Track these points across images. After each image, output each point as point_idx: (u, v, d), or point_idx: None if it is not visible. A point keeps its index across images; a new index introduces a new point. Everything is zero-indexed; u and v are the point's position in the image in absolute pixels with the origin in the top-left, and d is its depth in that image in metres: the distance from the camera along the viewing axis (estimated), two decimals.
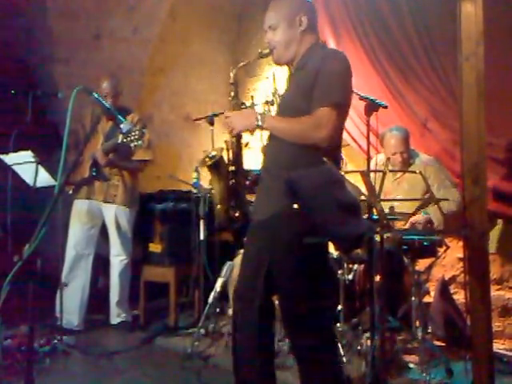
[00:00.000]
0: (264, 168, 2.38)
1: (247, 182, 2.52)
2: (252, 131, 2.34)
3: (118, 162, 4.08)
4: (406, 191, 3.70)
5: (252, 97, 4.55)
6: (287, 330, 2.37)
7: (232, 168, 2.48)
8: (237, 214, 2.44)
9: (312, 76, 2.22)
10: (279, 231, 2.23)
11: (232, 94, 2.47)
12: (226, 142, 2.51)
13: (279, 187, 2.17)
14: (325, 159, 2.20)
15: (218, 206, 2.46)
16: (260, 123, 2.24)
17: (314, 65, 2.25)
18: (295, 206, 2.14)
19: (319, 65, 2.23)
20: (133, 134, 2.72)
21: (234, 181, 2.46)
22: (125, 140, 2.93)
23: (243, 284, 2.40)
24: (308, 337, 2.21)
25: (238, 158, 2.47)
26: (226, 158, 2.55)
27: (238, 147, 2.47)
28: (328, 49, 2.49)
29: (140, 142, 2.90)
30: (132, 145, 2.84)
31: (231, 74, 2.47)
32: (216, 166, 2.49)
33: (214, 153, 2.55)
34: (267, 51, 2.38)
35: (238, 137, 2.46)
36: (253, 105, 4.02)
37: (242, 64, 2.51)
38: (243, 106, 2.47)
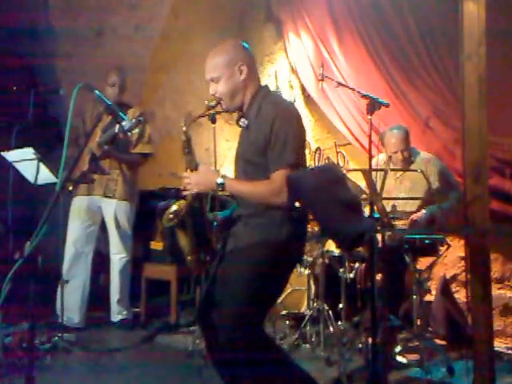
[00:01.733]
0: (240, 203, 2.39)
1: (214, 225, 2.56)
2: (213, 191, 2.37)
3: (114, 152, 4.07)
4: (408, 189, 3.70)
5: None
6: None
7: (194, 217, 2.49)
8: (207, 258, 2.48)
9: (262, 134, 2.24)
10: (248, 254, 2.24)
11: (186, 150, 2.40)
12: (186, 196, 2.47)
13: (255, 225, 2.24)
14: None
15: (189, 257, 2.51)
16: (220, 188, 2.26)
17: (265, 120, 2.26)
18: (296, 204, 2.14)
19: (270, 124, 2.23)
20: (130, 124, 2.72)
21: (199, 228, 2.49)
22: (121, 130, 2.94)
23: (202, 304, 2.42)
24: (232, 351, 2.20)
25: (200, 207, 2.48)
26: (188, 210, 2.52)
27: (200, 201, 2.48)
28: (274, 95, 2.48)
29: (137, 130, 2.91)
30: (129, 133, 2.84)
31: (183, 129, 2.39)
32: (183, 224, 2.49)
33: (174, 207, 2.53)
34: (214, 103, 2.36)
35: (199, 194, 2.45)
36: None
37: (193, 118, 2.45)
38: (197, 164, 2.42)
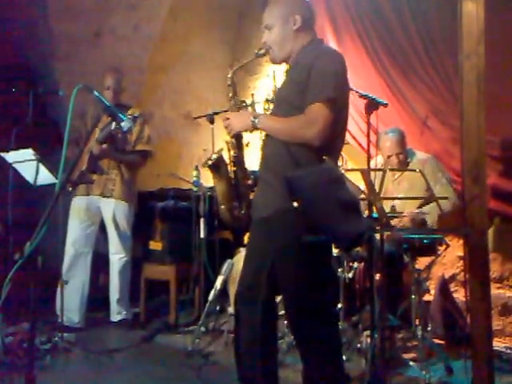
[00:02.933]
0: (262, 166, 2.39)
1: (249, 182, 2.51)
2: (250, 131, 2.38)
3: (112, 152, 4.07)
4: (406, 190, 3.70)
5: (252, 95, 4.55)
6: (292, 328, 2.38)
7: (233, 168, 2.49)
8: (243, 212, 2.45)
9: (305, 72, 2.24)
10: (281, 230, 2.24)
11: (230, 94, 2.49)
12: (226, 142, 2.52)
13: (279, 185, 2.19)
14: (325, 157, 2.20)
15: (222, 207, 2.47)
16: (255, 123, 2.29)
17: (308, 61, 2.27)
18: (295, 204, 2.14)
19: (313, 61, 2.24)
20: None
21: (235, 181, 2.47)
22: (117, 126, 2.94)
23: (246, 282, 2.41)
24: (313, 333, 2.22)
25: (239, 158, 2.48)
26: (227, 159, 2.56)
27: (238, 147, 2.49)
28: (324, 46, 2.50)
29: (137, 127, 2.92)
30: (125, 129, 2.85)
31: (228, 76, 2.49)
32: (216, 166, 2.50)
33: (214, 156, 2.56)
34: (263, 51, 2.41)
35: (238, 137, 2.48)
36: (253, 103, 4.03)
37: (239, 65, 2.54)
38: (243, 105, 2.48)
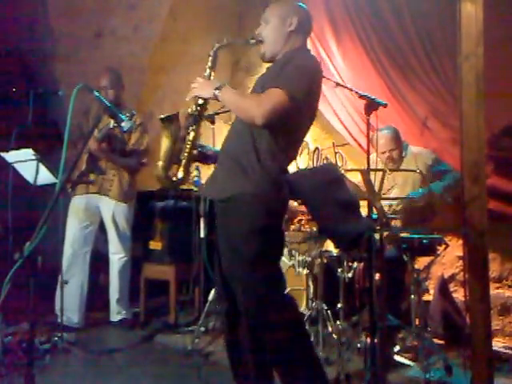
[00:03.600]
0: (224, 150, 2.43)
1: (195, 152, 2.52)
2: (208, 98, 2.43)
3: (109, 152, 4.07)
4: (400, 185, 3.79)
5: None
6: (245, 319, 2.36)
7: (185, 134, 2.52)
8: (178, 176, 2.46)
9: (280, 66, 2.32)
10: (234, 216, 2.28)
11: (209, 64, 2.55)
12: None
13: (240, 173, 2.25)
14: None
15: (160, 162, 2.50)
16: (216, 94, 2.33)
17: (285, 59, 2.36)
18: (295, 203, 2.15)
19: (287, 60, 2.32)
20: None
21: (181, 144, 2.50)
22: (115, 125, 2.95)
23: (220, 282, 2.43)
24: (265, 324, 2.23)
25: (194, 126, 2.50)
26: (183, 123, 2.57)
27: (198, 115, 2.51)
28: (305, 53, 2.52)
29: (132, 123, 2.93)
30: (125, 129, 2.86)
31: (214, 48, 2.57)
32: (168, 120, 2.51)
33: (174, 112, 2.58)
34: (254, 41, 2.49)
35: (201, 105, 2.51)
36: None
37: (226, 42, 2.59)
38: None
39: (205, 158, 2.62)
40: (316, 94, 2.38)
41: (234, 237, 2.27)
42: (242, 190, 2.23)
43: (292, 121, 2.25)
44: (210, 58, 2.56)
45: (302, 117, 2.32)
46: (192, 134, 2.49)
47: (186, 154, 2.48)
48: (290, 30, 2.42)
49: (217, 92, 2.32)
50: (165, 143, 2.50)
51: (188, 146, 2.48)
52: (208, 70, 2.54)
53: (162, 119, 2.53)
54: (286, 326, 2.23)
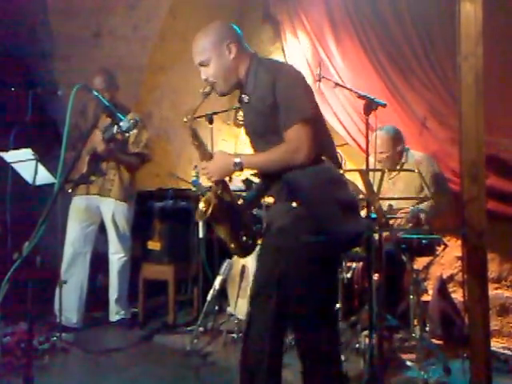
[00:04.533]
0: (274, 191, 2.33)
1: (240, 203, 2.46)
2: (231, 175, 2.32)
3: (117, 153, 4.06)
4: (401, 191, 3.69)
5: None
6: (294, 328, 2.36)
7: (224, 205, 2.36)
8: (249, 241, 2.40)
9: (268, 96, 2.17)
10: (291, 232, 2.19)
11: (195, 143, 2.36)
12: (212, 187, 2.38)
13: (285, 197, 2.20)
14: (324, 158, 2.20)
15: (232, 245, 2.43)
16: (241, 166, 2.22)
17: (265, 83, 2.20)
18: (294, 204, 2.14)
19: (272, 83, 2.17)
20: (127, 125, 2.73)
21: (231, 215, 2.36)
22: (119, 130, 2.94)
23: (257, 287, 2.38)
24: (315, 334, 2.22)
25: (226, 194, 2.36)
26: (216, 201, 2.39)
27: (225, 189, 2.37)
28: (269, 61, 2.40)
29: (135, 131, 2.92)
30: (126, 134, 2.85)
31: (188, 125, 2.37)
32: (214, 215, 2.41)
33: (202, 204, 2.37)
34: (209, 89, 2.32)
35: (222, 182, 2.37)
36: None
37: (192, 111, 2.39)
38: (211, 155, 2.38)
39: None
40: (313, 95, 2.29)
41: (298, 258, 2.21)
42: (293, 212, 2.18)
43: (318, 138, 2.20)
44: (193, 138, 2.36)
45: (320, 125, 2.27)
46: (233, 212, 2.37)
47: (242, 223, 2.38)
48: (232, 57, 2.26)
49: (241, 165, 2.20)
50: (222, 230, 2.41)
51: (239, 217, 2.38)
52: (201, 149, 2.35)
53: (208, 219, 2.43)
54: (328, 339, 2.25)
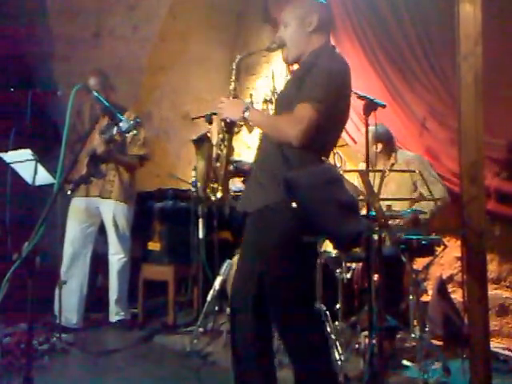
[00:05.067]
0: (256, 164, 2.40)
1: (230, 168, 2.50)
2: (238, 121, 2.38)
3: (116, 154, 4.06)
4: (393, 192, 3.69)
5: (251, 95, 4.56)
6: (278, 329, 2.37)
7: (218, 152, 2.47)
8: (218, 195, 2.44)
9: (306, 69, 2.26)
10: (270, 227, 2.24)
11: (233, 77, 2.48)
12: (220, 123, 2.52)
13: (269, 184, 2.22)
14: (323, 158, 2.20)
15: (198, 184, 2.48)
16: (245, 116, 2.28)
17: (311, 59, 2.30)
18: (294, 204, 2.14)
19: (314, 60, 2.26)
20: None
21: (216, 162, 2.46)
22: (119, 131, 2.92)
23: (238, 283, 2.40)
24: (297, 334, 2.23)
25: (225, 143, 2.45)
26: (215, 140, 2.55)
27: (228, 132, 2.46)
28: (334, 52, 2.45)
29: (135, 132, 2.91)
30: (127, 135, 2.84)
31: (236, 59, 2.47)
32: (199, 142, 2.48)
33: (203, 132, 2.55)
34: (275, 45, 2.42)
35: (230, 123, 2.45)
36: (252, 103, 4.02)
37: (249, 52, 2.56)
38: (237, 96, 2.46)
39: (242, 172, 2.61)
40: (346, 95, 2.35)
41: (271, 247, 2.24)
42: (274, 199, 2.21)
43: (323, 128, 2.22)
44: (233, 72, 2.49)
45: (333, 121, 2.29)
46: (225, 151, 2.44)
47: (221, 173, 2.44)
48: (310, 30, 2.35)
49: (246, 114, 2.28)
50: (200, 164, 2.48)
51: (223, 164, 2.44)
52: (233, 84, 2.47)
53: (193, 141, 2.51)
54: (313, 338, 2.25)
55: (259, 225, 2.28)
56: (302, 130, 2.13)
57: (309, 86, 2.19)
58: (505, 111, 3.68)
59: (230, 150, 2.47)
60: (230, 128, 2.45)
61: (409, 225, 3.48)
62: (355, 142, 4.53)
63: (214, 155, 2.49)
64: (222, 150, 2.45)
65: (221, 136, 2.45)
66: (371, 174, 2.90)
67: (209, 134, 2.54)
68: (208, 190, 2.45)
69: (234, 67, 2.47)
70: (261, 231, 2.28)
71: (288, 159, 2.23)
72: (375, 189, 2.84)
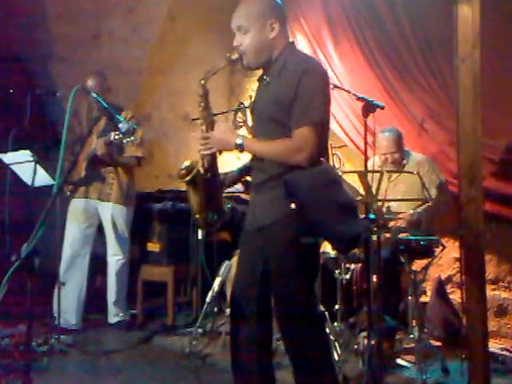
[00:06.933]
0: (256, 182, 2.36)
1: (224, 191, 2.49)
2: (230, 150, 2.31)
3: (114, 155, 4.06)
4: (402, 193, 3.70)
5: (250, 97, 4.55)
6: (282, 330, 2.38)
7: (207, 176, 2.41)
8: (215, 218, 2.42)
9: (291, 88, 2.17)
10: (277, 233, 2.24)
11: (202, 105, 2.37)
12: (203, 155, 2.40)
13: (276, 196, 2.19)
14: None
15: (197, 216, 2.44)
16: (241, 147, 2.23)
17: (292, 75, 2.19)
18: (292, 205, 2.15)
19: (299, 77, 2.16)
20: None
21: (210, 187, 2.41)
22: (117, 137, 2.93)
23: (239, 286, 2.41)
24: (302, 336, 2.23)
25: (213, 166, 2.40)
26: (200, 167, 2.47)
27: (213, 161, 2.40)
28: (301, 53, 2.39)
29: (132, 138, 2.92)
30: (124, 141, 2.84)
31: (201, 83, 2.35)
32: (193, 181, 2.42)
33: (187, 163, 2.42)
34: (236, 56, 2.26)
35: (213, 158, 2.39)
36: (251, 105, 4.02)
37: (212, 72, 2.34)
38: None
39: (232, 184, 2.60)
40: (329, 94, 2.29)
41: (277, 250, 2.24)
42: (285, 211, 2.18)
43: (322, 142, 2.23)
44: (202, 98, 2.37)
45: (327, 125, 2.29)
46: (212, 185, 2.40)
47: (216, 199, 2.42)
48: (273, 35, 2.23)
49: (239, 142, 2.21)
50: (195, 198, 2.43)
51: (215, 193, 2.42)
52: (205, 113, 2.37)
53: (187, 182, 2.44)
54: (315, 339, 2.26)
55: (266, 234, 2.27)
56: (308, 155, 2.14)
57: (304, 109, 2.15)
58: (503, 113, 3.69)
59: (218, 180, 2.42)
60: (213, 163, 2.38)
61: (408, 226, 3.49)
62: (356, 146, 4.54)
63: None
64: (211, 174, 2.39)
65: (206, 164, 2.37)
66: (378, 175, 2.91)
67: (197, 166, 2.46)
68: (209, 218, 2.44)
69: (202, 93, 2.35)
70: (270, 236, 2.26)
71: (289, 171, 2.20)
72: (379, 190, 2.85)
